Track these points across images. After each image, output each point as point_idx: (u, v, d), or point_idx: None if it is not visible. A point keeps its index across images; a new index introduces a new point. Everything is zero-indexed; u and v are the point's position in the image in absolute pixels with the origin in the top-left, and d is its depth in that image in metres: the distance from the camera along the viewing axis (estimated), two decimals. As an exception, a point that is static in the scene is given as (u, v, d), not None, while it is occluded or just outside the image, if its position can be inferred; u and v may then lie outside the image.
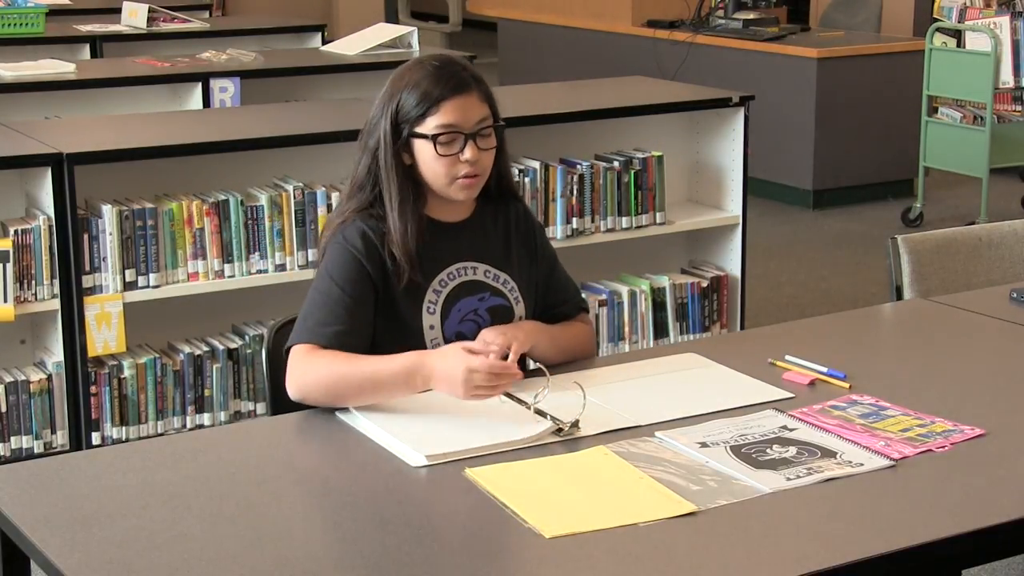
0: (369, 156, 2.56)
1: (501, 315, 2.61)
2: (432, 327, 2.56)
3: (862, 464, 2.17)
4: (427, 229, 2.56)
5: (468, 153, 2.50)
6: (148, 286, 3.98)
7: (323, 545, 1.94)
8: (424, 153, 2.52)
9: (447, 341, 2.56)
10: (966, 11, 7.06)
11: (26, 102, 5.28)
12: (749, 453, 2.20)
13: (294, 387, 2.43)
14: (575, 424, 2.30)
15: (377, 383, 2.39)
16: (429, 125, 2.50)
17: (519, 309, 2.63)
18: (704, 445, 2.24)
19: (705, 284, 4.79)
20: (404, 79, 2.54)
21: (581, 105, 4.75)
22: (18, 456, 3.89)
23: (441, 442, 2.24)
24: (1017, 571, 3.66)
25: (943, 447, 2.24)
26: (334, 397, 2.40)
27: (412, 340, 2.55)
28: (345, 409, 2.40)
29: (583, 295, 2.85)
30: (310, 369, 2.42)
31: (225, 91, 5.42)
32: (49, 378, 3.96)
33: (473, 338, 2.53)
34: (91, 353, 3.93)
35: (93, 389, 3.97)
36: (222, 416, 4.15)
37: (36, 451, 3.96)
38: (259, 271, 4.11)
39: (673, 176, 4.83)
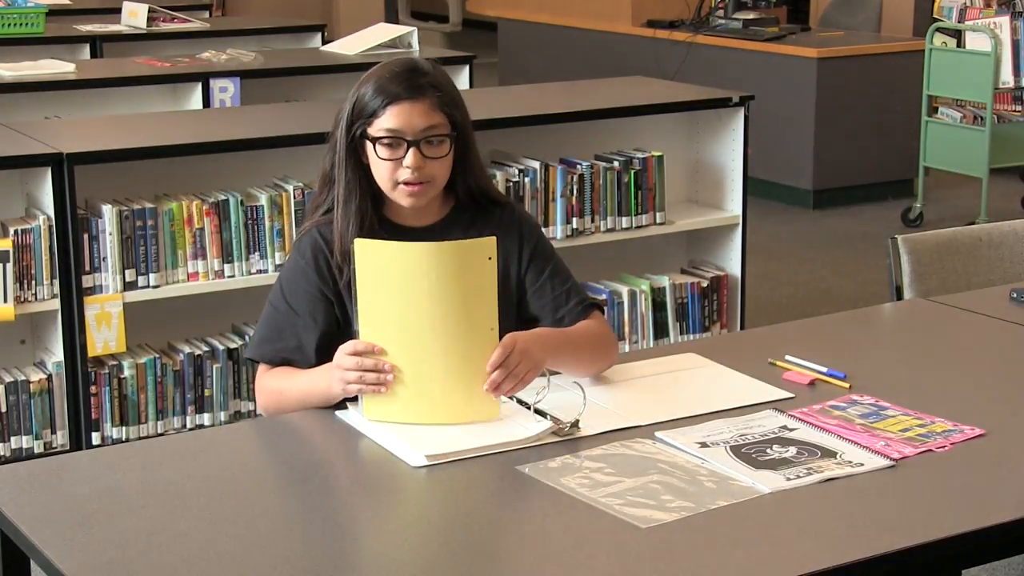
0: (332, 152, 2.58)
1: None
2: None
3: (862, 464, 2.17)
4: (388, 233, 2.53)
5: (409, 160, 2.48)
6: (148, 286, 3.98)
7: (323, 545, 1.94)
8: (372, 156, 2.52)
9: None
10: (966, 11, 7.06)
11: (26, 102, 5.28)
12: (749, 453, 2.20)
13: (260, 409, 2.58)
14: (575, 424, 2.30)
15: (307, 402, 2.46)
16: (376, 127, 2.50)
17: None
18: (704, 445, 2.24)
19: (705, 284, 4.80)
20: (363, 81, 2.54)
21: (581, 105, 4.75)
22: (18, 456, 3.90)
23: (441, 442, 2.24)
24: (1017, 571, 3.67)
25: (943, 447, 2.24)
26: (282, 410, 2.49)
27: None
28: (345, 408, 2.40)
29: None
30: (261, 396, 2.56)
31: (225, 91, 5.42)
32: (49, 378, 3.96)
33: None
34: (91, 353, 3.94)
35: (93, 389, 3.97)
36: (222, 416, 4.15)
37: (36, 451, 3.96)
38: (259, 271, 4.11)
39: (673, 176, 4.83)
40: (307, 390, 2.46)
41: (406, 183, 2.50)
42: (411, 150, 2.48)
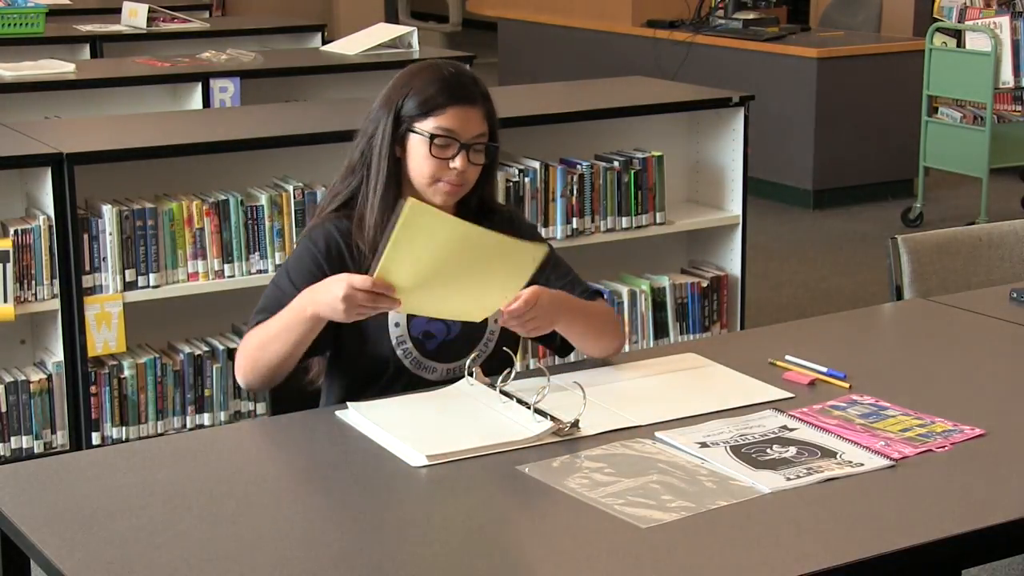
0: (366, 141, 2.61)
1: None
2: (397, 324, 2.58)
3: (862, 464, 2.17)
4: None
5: (458, 162, 2.55)
6: (148, 286, 3.98)
7: (323, 545, 1.94)
8: (416, 150, 2.56)
9: (413, 339, 2.59)
10: (966, 11, 7.06)
11: (26, 102, 5.28)
12: (749, 453, 2.20)
13: (237, 372, 2.55)
14: (575, 424, 2.30)
15: (282, 326, 2.46)
16: (429, 125, 2.54)
17: (495, 312, 2.62)
18: (704, 445, 2.24)
19: (705, 284, 4.80)
20: (417, 76, 2.59)
21: (581, 105, 4.75)
22: (18, 456, 3.90)
23: (441, 442, 2.24)
24: (1017, 571, 3.67)
25: (943, 447, 2.24)
26: (260, 360, 2.48)
27: (376, 337, 2.58)
28: (345, 408, 2.40)
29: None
30: (240, 352, 2.54)
31: (225, 91, 5.42)
32: (49, 378, 3.96)
33: (442, 337, 2.60)
34: (91, 353, 3.94)
35: (93, 389, 3.97)
36: (222, 416, 4.15)
37: (36, 451, 3.96)
38: (259, 271, 4.11)
39: (673, 176, 4.83)
40: (283, 319, 2.45)
41: (447, 182, 2.56)
42: (461, 152, 2.55)
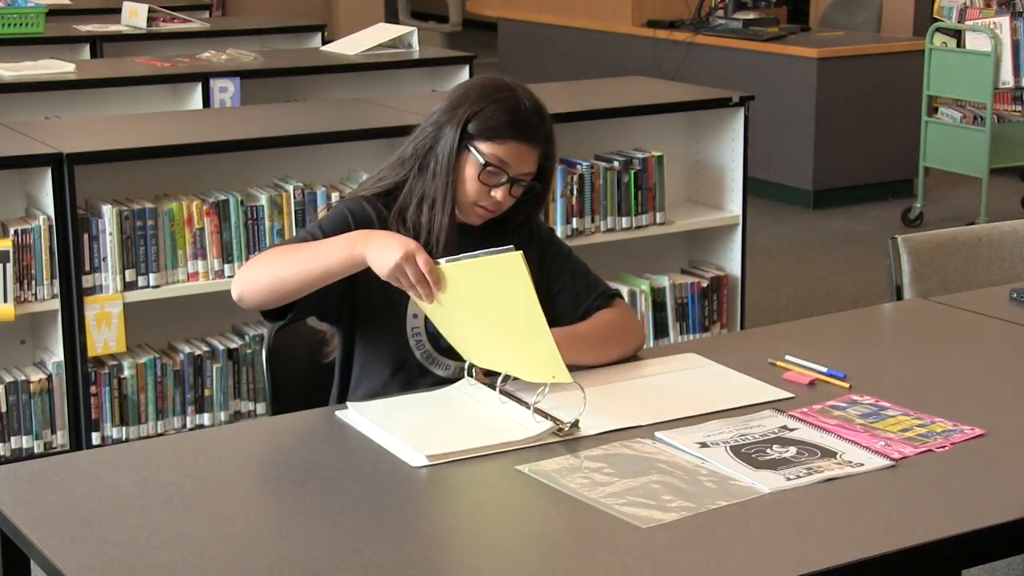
0: (423, 141, 2.61)
1: None
2: (416, 315, 2.60)
3: (862, 464, 2.17)
4: None
5: (499, 194, 2.57)
6: (148, 286, 3.98)
7: (323, 545, 1.94)
8: (467, 170, 2.58)
9: (428, 333, 2.60)
10: (966, 11, 7.06)
11: (26, 102, 5.28)
12: (749, 453, 2.20)
13: (236, 280, 2.54)
14: (575, 424, 2.30)
15: (318, 249, 2.43)
16: (487, 150, 2.56)
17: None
18: (704, 445, 2.24)
19: (705, 284, 4.80)
20: (492, 98, 2.58)
21: (581, 105, 4.75)
22: (18, 456, 3.90)
23: (441, 442, 2.24)
24: (1017, 571, 3.67)
25: (943, 447, 2.24)
26: (271, 271, 2.45)
27: (394, 327, 2.59)
28: (345, 408, 2.40)
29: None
30: (259, 256, 2.52)
31: (225, 91, 5.42)
32: (49, 378, 3.96)
33: None
34: (91, 353, 3.94)
35: (93, 389, 3.97)
36: (222, 416, 4.15)
37: (36, 451, 3.96)
38: (259, 271, 4.11)
39: (673, 176, 4.83)
40: (332, 243, 2.43)
41: (483, 207, 2.59)
42: (505, 185, 2.57)
